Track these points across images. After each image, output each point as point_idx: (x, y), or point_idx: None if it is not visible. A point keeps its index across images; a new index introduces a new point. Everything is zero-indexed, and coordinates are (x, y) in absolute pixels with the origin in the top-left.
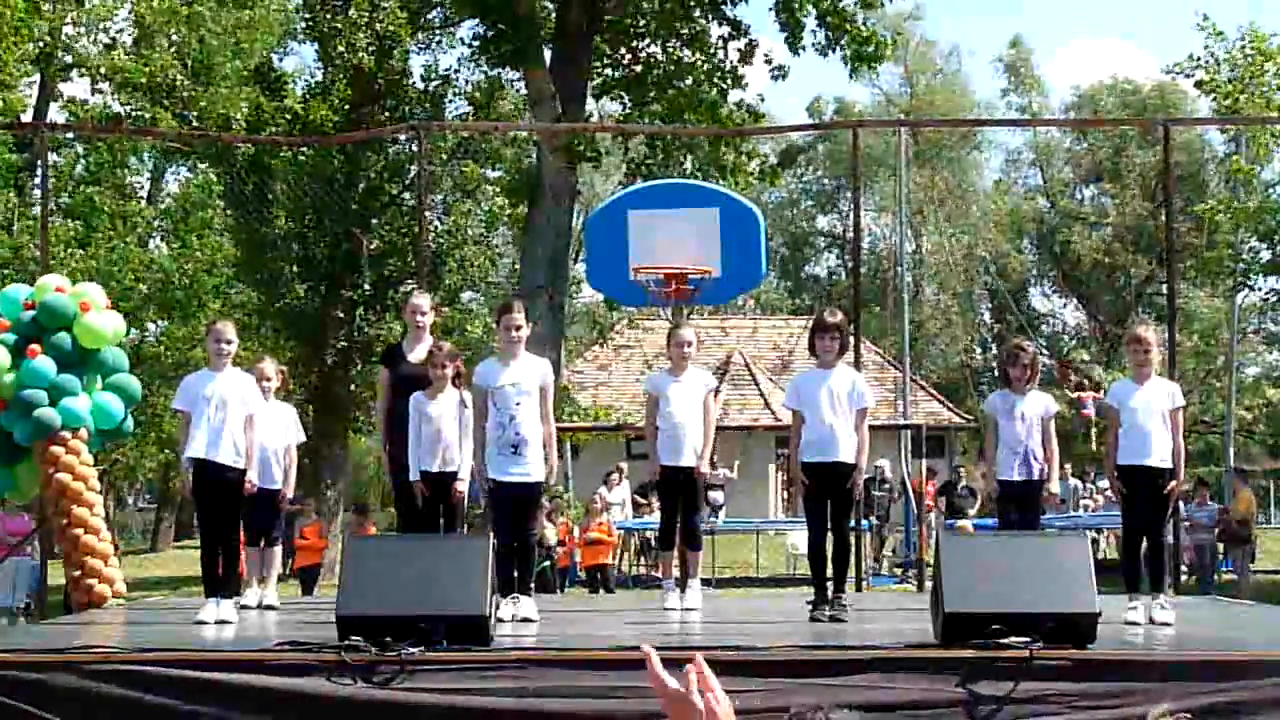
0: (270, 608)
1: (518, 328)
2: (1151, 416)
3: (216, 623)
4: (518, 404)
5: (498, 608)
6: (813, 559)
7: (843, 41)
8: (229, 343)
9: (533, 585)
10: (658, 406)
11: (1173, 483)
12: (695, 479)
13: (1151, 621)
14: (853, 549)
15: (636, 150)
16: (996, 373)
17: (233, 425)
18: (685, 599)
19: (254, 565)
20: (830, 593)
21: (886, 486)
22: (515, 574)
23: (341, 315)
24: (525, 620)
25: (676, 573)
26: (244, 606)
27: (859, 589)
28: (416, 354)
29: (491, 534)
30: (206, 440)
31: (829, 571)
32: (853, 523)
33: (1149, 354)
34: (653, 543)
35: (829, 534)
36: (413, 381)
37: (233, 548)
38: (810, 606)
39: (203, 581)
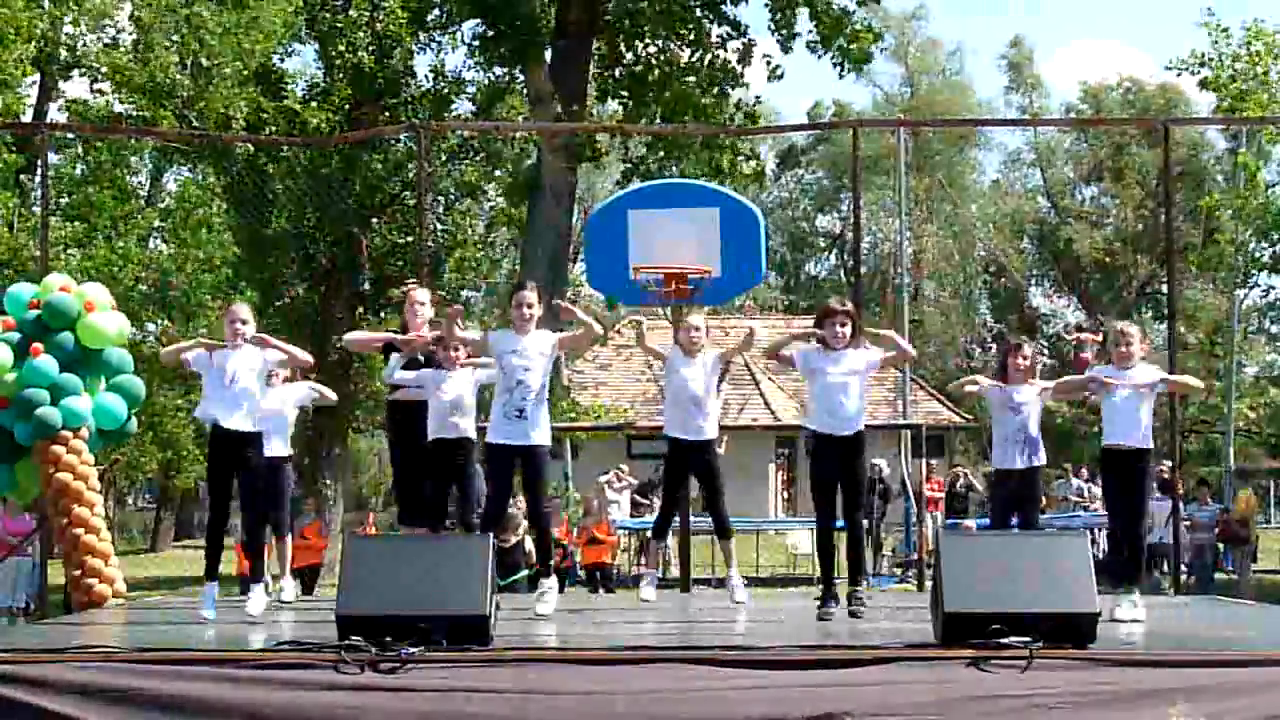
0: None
1: (529, 305)
2: (1134, 400)
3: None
4: (526, 371)
5: (498, 607)
6: (820, 550)
7: (837, 42)
8: (244, 322)
9: (553, 567)
10: (668, 370)
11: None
12: (710, 460)
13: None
14: (863, 539)
15: (635, 150)
16: (995, 367)
17: (248, 397)
18: (733, 593)
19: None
20: (848, 587)
21: (882, 486)
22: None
23: (341, 315)
24: (540, 616)
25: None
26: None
27: (862, 583)
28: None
29: (485, 496)
30: (222, 408)
31: (842, 565)
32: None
33: (1131, 348)
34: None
35: (838, 523)
36: (411, 364)
37: (254, 525)
38: (818, 603)
39: (206, 564)
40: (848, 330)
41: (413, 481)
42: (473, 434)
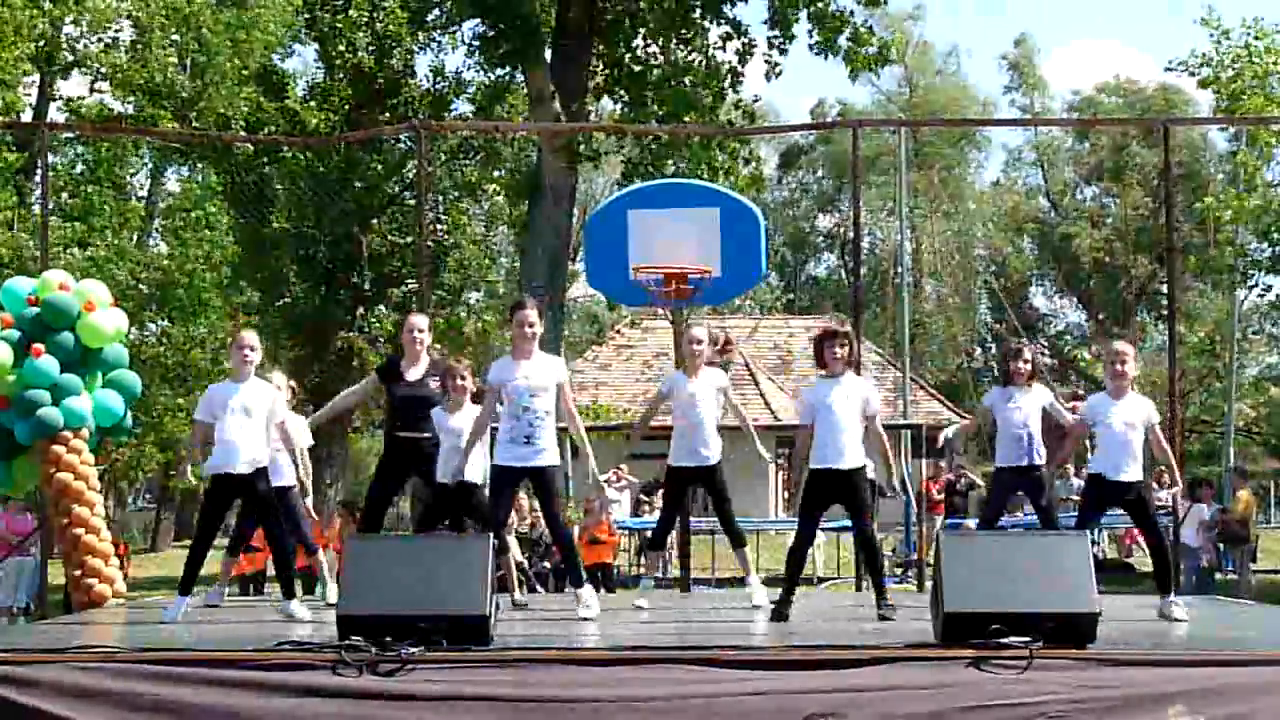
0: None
1: (531, 325)
2: (1128, 432)
3: (181, 619)
4: (533, 397)
5: (498, 608)
6: (792, 557)
7: (840, 41)
8: (253, 350)
9: (584, 576)
10: (668, 402)
11: (1172, 490)
12: (715, 479)
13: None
14: (878, 547)
15: (632, 151)
16: (996, 372)
17: (255, 434)
18: (752, 597)
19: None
20: (875, 594)
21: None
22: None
23: (341, 315)
24: (585, 619)
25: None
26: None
27: (858, 589)
28: (414, 373)
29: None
30: (227, 451)
31: (869, 571)
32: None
33: (1125, 366)
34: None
35: (852, 536)
36: (411, 402)
37: (283, 550)
38: (774, 604)
39: (182, 578)
40: (846, 352)
41: (381, 507)
42: (482, 478)
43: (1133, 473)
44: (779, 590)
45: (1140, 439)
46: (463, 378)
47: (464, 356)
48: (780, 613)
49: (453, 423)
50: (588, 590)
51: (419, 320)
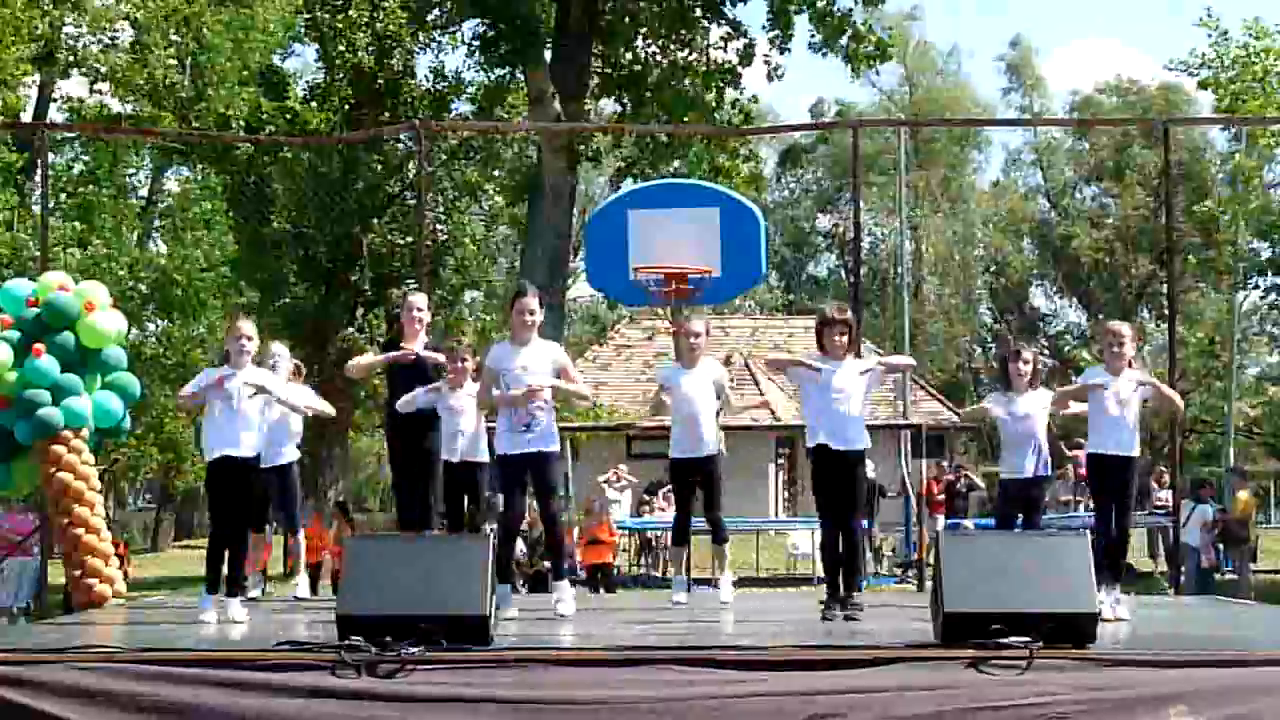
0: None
1: (531, 312)
2: (1124, 409)
3: (220, 622)
4: (529, 386)
5: (497, 607)
6: (825, 554)
7: (841, 41)
8: (249, 339)
9: (566, 571)
10: (666, 396)
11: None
12: (713, 470)
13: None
14: (860, 547)
15: (631, 151)
16: (996, 370)
17: (251, 420)
18: (720, 593)
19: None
20: (842, 591)
21: (867, 484)
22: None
23: (341, 315)
24: (562, 617)
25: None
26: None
27: (859, 588)
28: (415, 345)
29: (499, 508)
30: (224, 437)
31: (843, 569)
32: (865, 522)
33: (1123, 347)
34: (654, 543)
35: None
36: (411, 369)
37: (243, 545)
38: (822, 605)
39: (206, 578)
40: (846, 340)
41: (410, 487)
42: (485, 456)
43: (1131, 448)
44: (826, 589)
45: (1136, 415)
46: (464, 359)
47: (472, 343)
48: (828, 614)
49: (453, 403)
50: (566, 585)
51: (418, 299)
